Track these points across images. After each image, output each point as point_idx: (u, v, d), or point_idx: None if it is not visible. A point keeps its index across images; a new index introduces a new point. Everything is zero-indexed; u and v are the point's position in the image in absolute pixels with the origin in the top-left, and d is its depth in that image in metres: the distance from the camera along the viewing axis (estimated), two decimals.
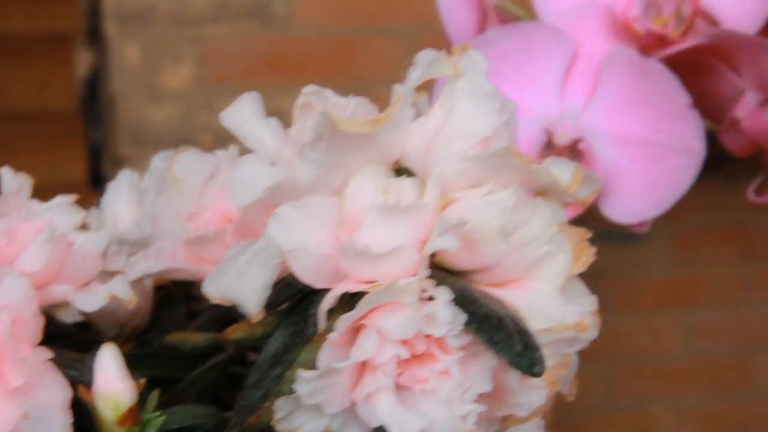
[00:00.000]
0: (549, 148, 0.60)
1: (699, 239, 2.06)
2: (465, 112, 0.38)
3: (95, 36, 1.89)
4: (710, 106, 0.62)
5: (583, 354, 0.41)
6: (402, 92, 0.37)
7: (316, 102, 0.38)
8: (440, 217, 0.36)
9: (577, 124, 0.60)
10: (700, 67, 0.61)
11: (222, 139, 1.95)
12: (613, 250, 2.05)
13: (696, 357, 2.11)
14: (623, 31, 0.60)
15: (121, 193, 0.55)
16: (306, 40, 1.81)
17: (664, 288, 2.11)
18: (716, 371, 2.12)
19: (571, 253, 0.39)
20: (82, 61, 1.96)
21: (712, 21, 0.61)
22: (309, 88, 0.39)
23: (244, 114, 0.39)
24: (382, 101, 0.64)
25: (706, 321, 2.12)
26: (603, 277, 2.05)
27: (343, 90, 0.45)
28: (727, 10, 0.60)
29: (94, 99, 1.93)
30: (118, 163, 1.86)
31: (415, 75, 0.38)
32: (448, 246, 0.35)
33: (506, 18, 0.65)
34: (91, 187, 1.99)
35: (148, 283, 0.52)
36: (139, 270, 0.47)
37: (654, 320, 2.11)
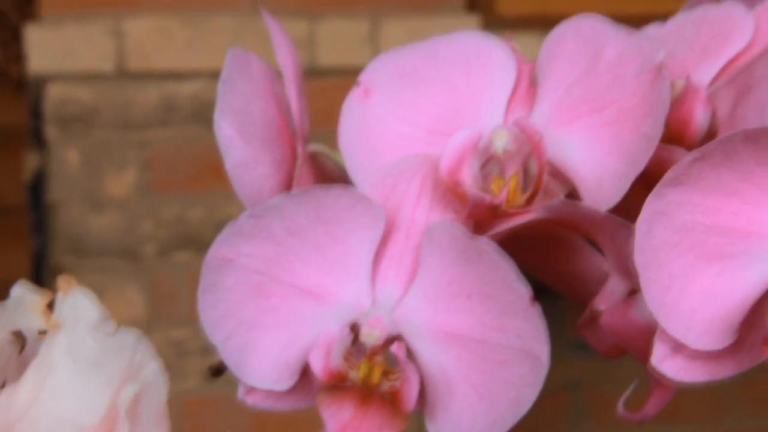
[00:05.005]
0: (358, 348, 0.46)
1: None
2: (60, 386, 0.25)
3: (40, 139, 1.82)
4: (575, 288, 0.48)
5: None
6: None
7: None
8: None
9: (392, 319, 0.46)
10: (556, 241, 0.47)
11: (166, 249, 1.85)
12: (590, 362, 1.96)
13: None
14: (451, 196, 0.46)
15: None
16: None
17: (644, 401, 2.02)
18: None
19: None
20: (28, 164, 1.90)
21: (569, 183, 0.47)
22: None
23: None
24: None
25: None
26: (580, 389, 1.95)
27: None
28: (585, 171, 0.46)
29: (38, 204, 1.86)
30: (58, 274, 1.76)
31: None
32: None
33: (327, 172, 0.52)
34: None
35: None
36: None
37: None
